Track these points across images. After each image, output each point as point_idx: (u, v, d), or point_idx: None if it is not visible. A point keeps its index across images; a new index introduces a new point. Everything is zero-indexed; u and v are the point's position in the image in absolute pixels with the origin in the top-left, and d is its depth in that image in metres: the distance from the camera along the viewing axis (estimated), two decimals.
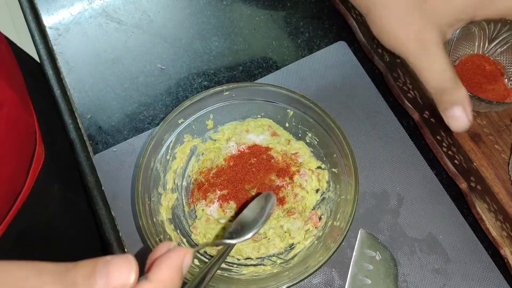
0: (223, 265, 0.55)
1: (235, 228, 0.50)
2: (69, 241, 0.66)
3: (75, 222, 0.68)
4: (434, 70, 0.43)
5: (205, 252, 0.57)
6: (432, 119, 0.60)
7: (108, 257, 0.30)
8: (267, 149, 0.61)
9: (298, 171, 0.59)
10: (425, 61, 0.43)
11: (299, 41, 0.71)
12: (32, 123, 0.59)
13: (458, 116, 0.44)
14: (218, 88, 0.57)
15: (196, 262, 0.54)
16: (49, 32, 0.73)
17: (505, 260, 0.55)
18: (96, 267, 0.29)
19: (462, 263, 0.57)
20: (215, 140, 0.62)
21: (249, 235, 0.47)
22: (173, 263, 0.32)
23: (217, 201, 0.58)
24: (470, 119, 0.44)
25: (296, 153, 0.60)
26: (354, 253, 0.58)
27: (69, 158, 0.65)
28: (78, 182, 0.65)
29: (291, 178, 0.59)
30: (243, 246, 0.57)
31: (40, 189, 0.60)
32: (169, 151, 0.58)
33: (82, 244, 0.64)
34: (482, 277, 0.56)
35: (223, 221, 0.57)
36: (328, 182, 0.59)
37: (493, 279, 0.56)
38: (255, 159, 0.60)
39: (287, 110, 0.59)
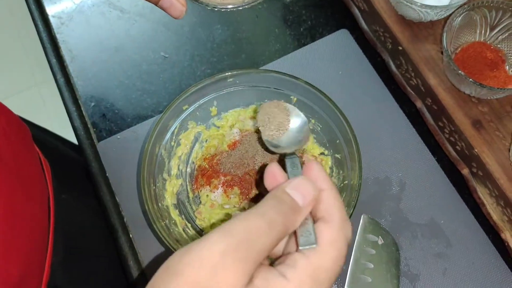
0: None
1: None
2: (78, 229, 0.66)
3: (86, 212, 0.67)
4: None
5: None
6: (434, 106, 0.61)
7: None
8: None
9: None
10: None
11: (301, 29, 0.71)
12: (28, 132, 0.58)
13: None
14: (222, 75, 0.57)
15: None
16: (52, 20, 0.73)
17: (506, 244, 0.56)
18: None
19: (463, 247, 0.58)
20: (218, 127, 0.62)
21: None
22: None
23: (221, 186, 0.59)
24: (183, 3, 0.43)
25: None
26: (356, 238, 0.58)
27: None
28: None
29: None
30: None
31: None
32: (174, 137, 0.58)
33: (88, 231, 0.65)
34: (483, 260, 0.57)
35: (227, 206, 0.58)
36: (331, 168, 0.59)
37: (494, 263, 0.57)
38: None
39: (291, 97, 0.59)
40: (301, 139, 0.50)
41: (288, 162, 0.41)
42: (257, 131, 0.60)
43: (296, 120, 0.51)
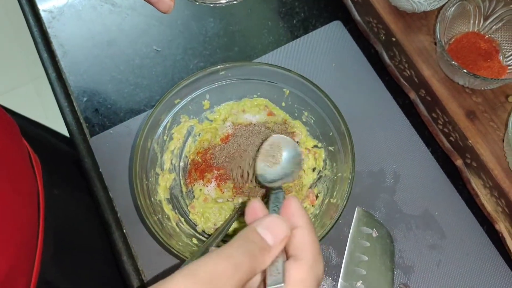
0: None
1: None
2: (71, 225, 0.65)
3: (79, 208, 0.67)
4: None
5: (204, 231, 0.57)
6: (428, 97, 0.60)
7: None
8: None
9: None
10: None
11: (294, 21, 0.71)
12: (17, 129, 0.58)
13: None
14: (214, 68, 0.57)
15: (195, 241, 0.55)
16: (43, 15, 0.72)
17: (500, 235, 0.56)
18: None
19: (457, 238, 0.58)
20: (211, 121, 0.62)
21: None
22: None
23: (215, 180, 0.58)
24: None
25: (293, 132, 0.60)
26: (351, 230, 0.58)
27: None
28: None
29: None
30: (240, 226, 0.57)
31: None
32: (166, 131, 0.58)
33: (82, 227, 0.64)
34: (477, 252, 0.57)
35: (221, 200, 0.58)
36: (324, 161, 0.59)
37: (488, 254, 0.57)
38: None
39: (283, 89, 0.59)
40: (291, 171, 0.53)
41: (272, 196, 0.42)
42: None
43: (289, 154, 0.54)
